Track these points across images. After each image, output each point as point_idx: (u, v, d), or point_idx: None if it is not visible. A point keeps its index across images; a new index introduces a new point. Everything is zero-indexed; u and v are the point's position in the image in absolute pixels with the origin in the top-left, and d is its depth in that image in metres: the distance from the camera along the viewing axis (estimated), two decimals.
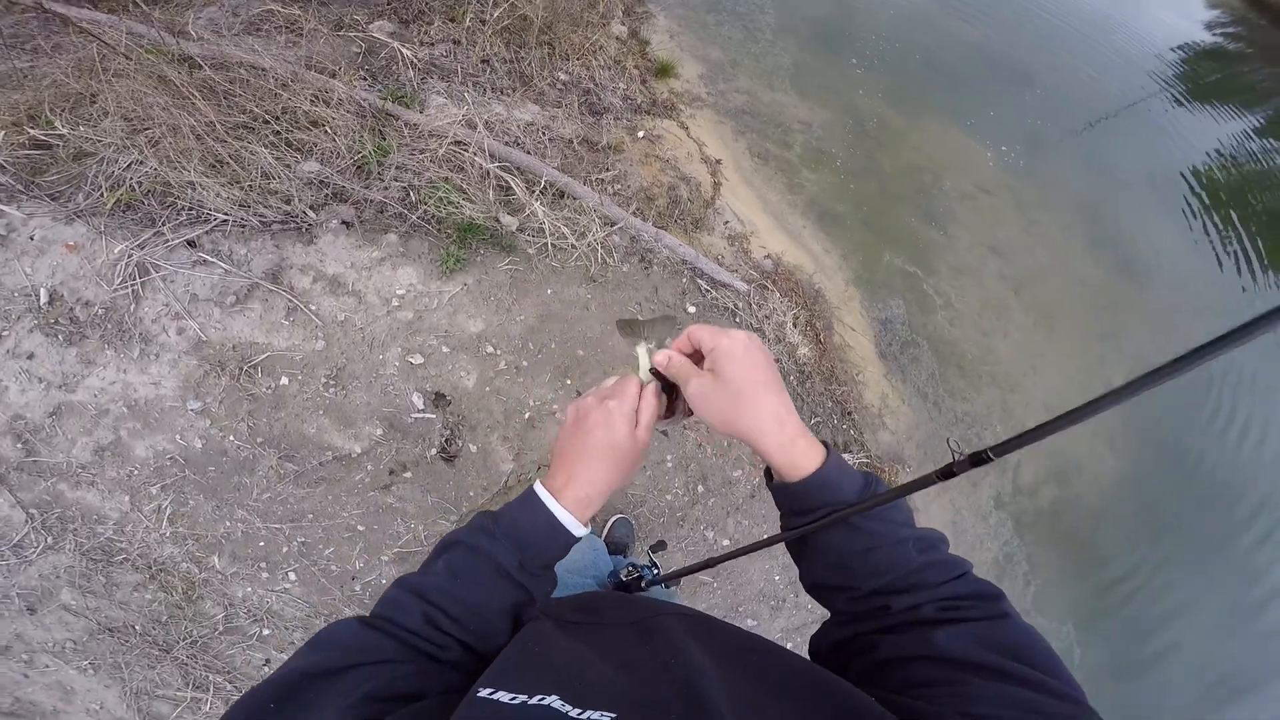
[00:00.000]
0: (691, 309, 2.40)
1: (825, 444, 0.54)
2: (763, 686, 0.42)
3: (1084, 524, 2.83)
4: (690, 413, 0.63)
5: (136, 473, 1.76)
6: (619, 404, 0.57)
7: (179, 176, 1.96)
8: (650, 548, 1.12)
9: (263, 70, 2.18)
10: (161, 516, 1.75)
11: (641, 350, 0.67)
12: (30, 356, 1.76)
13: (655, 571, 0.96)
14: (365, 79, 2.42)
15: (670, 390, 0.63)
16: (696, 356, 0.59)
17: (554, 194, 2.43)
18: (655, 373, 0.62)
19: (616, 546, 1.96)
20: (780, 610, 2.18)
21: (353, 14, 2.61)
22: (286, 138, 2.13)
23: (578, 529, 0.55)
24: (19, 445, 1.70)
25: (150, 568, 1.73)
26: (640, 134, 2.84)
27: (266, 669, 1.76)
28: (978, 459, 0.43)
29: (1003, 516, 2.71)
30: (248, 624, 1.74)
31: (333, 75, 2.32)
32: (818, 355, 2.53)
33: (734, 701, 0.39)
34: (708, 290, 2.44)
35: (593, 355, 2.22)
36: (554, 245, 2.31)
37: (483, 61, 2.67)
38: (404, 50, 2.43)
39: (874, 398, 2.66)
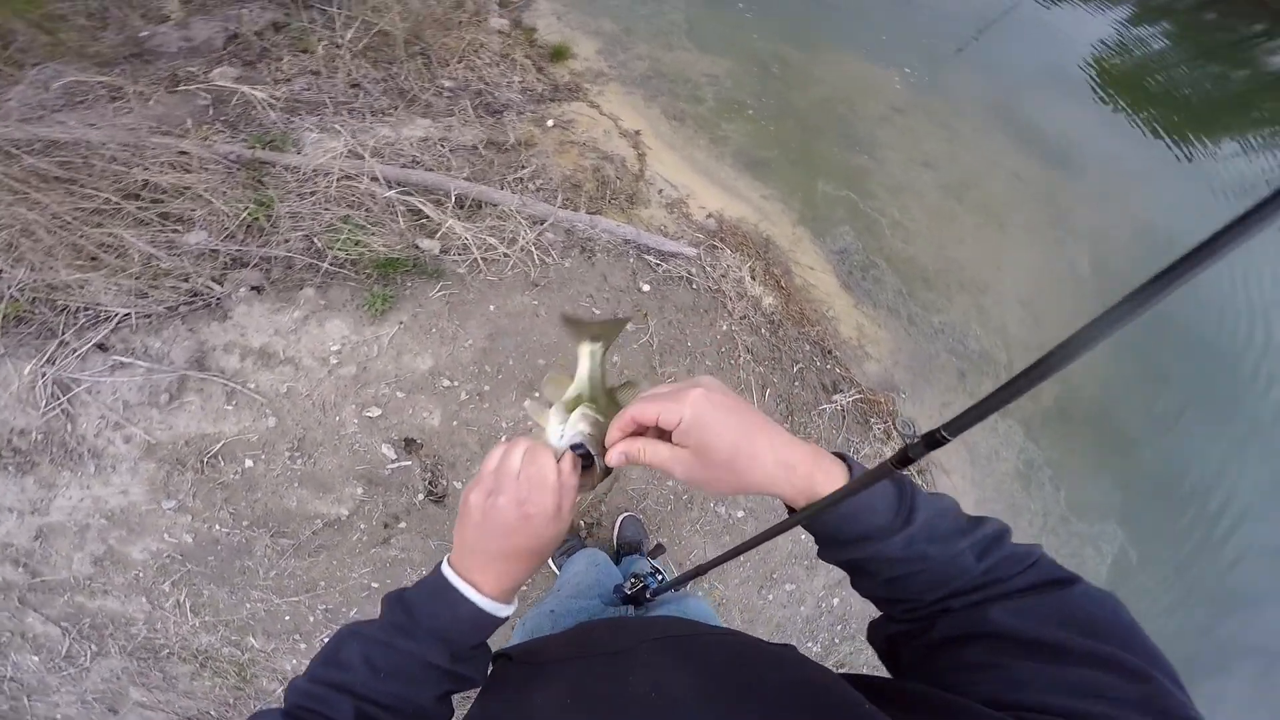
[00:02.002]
0: (645, 287, 2.28)
1: (843, 457, 0.47)
2: (752, 714, 0.39)
3: (1093, 415, 2.84)
4: (606, 475, 0.57)
5: (142, 575, 1.77)
6: (540, 509, 0.50)
7: (55, 278, 1.77)
8: (648, 554, 1.02)
9: (95, 146, 1.95)
10: (184, 610, 1.78)
11: (585, 351, 0.59)
12: None
13: (660, 578, 0.91)
14: (223, 131, 2.21)
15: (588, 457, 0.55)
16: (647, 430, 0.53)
17: (470, 206, 2.27)
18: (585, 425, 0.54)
19: (629, 546, 1.85)
20: (816, 570, 2.11)
21: (185, 67, 2.37)
22: (157, 213, 1.92)
23: (505, 611, 0.52)
24: (21, 569, 1.71)
25: (196, 657, 1.77)
26: (550, 123, 2.70)
27: None
28: (933, 441, 0.37)
29: (1011, 424, 2.70)
30: None
31: (183, 135, 2.11)
32: (783, 301, 2.44)
33: None
34: (658, 264, 2.33)
35: (555, 362, 2.09)
36: (484, 259, 2.16)
37: (352, 86, 2.47)
38: (256, 93, 2.23)
39: (850, 330, 2.60)
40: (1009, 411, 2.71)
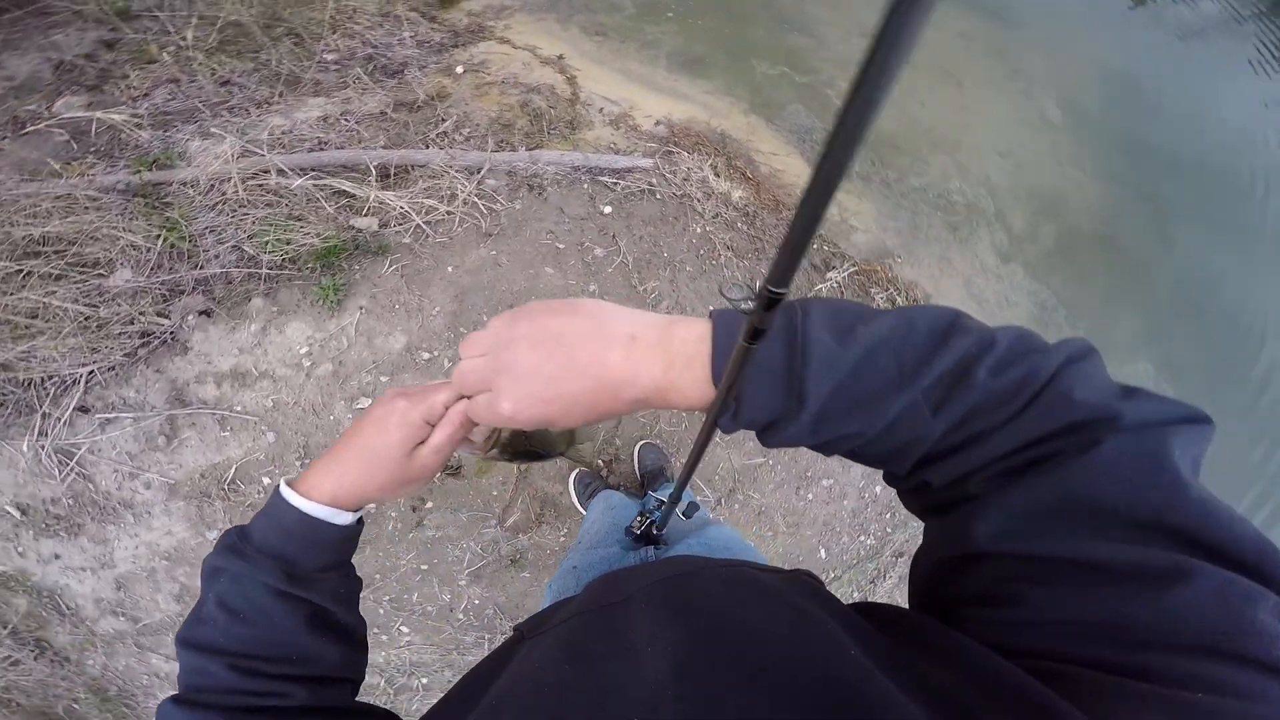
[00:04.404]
0: (607, 209, 2.13)
1: (716, 318, 0.37)
2: (739, 684, 0.31)
3: (1097, 247, 2.73)
4: (520, 456, 0.54)
5: None
6: (404, 411, 0.46)
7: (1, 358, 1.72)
8: (648, 486, 0.96)
9: None
10: None
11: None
12: (57, 557, 1.76)
13: (660, 507, 0.85)
14: (98, 163, 2.04)
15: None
16: None
17: (397, 173, 2.11)
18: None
19: (653, 474, 1.76)
20: (850, 461, 2.01)
21: (22, 107, 2.16)
22: (67, 263, 1.82)
23: (341, 517, 0.45)
24: (123, 619, 1.76)
25: None
26: (459, 69, 2.49)
27: None
28: (770, 300, 0.29)
29: (1014, 268, 2.61)
30: (407, 680, 1.80)
31: (56, 177, 1.96)
32: (753, 192, 2.30)
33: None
34: (615, 183, 2.17)
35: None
36: (428, 222, 2.03)
37: (222, 84, 2.26)
38: (114, 116, 2.04)
39: (830, 208, 2.45)
40: (1009, 255, 2.61)
